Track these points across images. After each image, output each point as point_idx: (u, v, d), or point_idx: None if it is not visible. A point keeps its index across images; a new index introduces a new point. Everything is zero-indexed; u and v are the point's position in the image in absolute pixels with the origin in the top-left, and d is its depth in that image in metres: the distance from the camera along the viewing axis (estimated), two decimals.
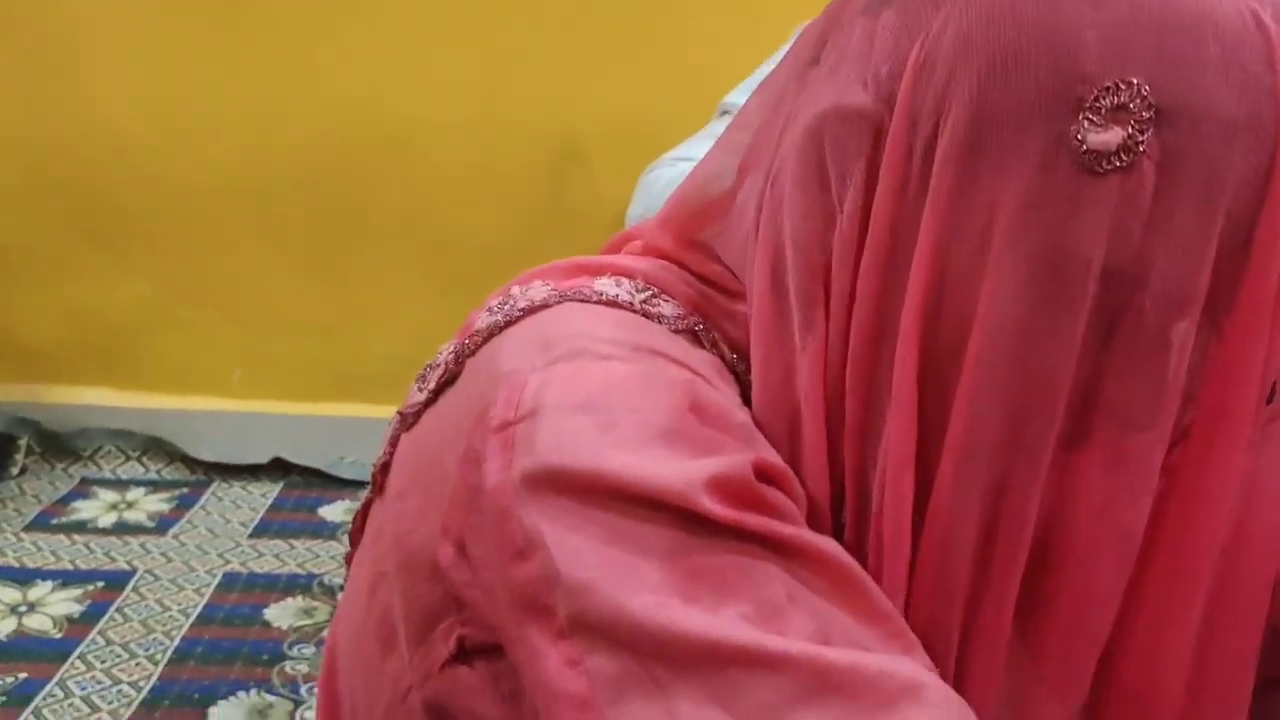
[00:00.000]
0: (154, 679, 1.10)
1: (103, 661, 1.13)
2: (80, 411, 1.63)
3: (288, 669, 1.14)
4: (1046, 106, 0.37)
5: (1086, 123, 0.36)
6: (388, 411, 1.83)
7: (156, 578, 1.30)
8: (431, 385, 0.49)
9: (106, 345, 1.65)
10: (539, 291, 0.48)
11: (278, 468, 1.59)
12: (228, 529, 1.43)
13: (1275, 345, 0.39)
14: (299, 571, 1.34)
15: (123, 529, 1.42)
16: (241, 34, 1.54)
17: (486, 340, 0.48)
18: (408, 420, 0.51)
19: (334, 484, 1.58)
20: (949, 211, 0.38)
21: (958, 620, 0.41)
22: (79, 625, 1.19)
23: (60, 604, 1.23)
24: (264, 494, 1.54)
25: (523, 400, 0.42)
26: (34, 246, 1.60)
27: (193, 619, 1.21)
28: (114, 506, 1.48)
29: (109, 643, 1.16)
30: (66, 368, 1.65)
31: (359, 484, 1.58)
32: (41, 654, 1.14)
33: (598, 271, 0.50)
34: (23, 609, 1.22)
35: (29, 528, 1.41)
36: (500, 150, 1.59)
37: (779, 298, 0.44)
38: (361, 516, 0.56)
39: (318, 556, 1.38)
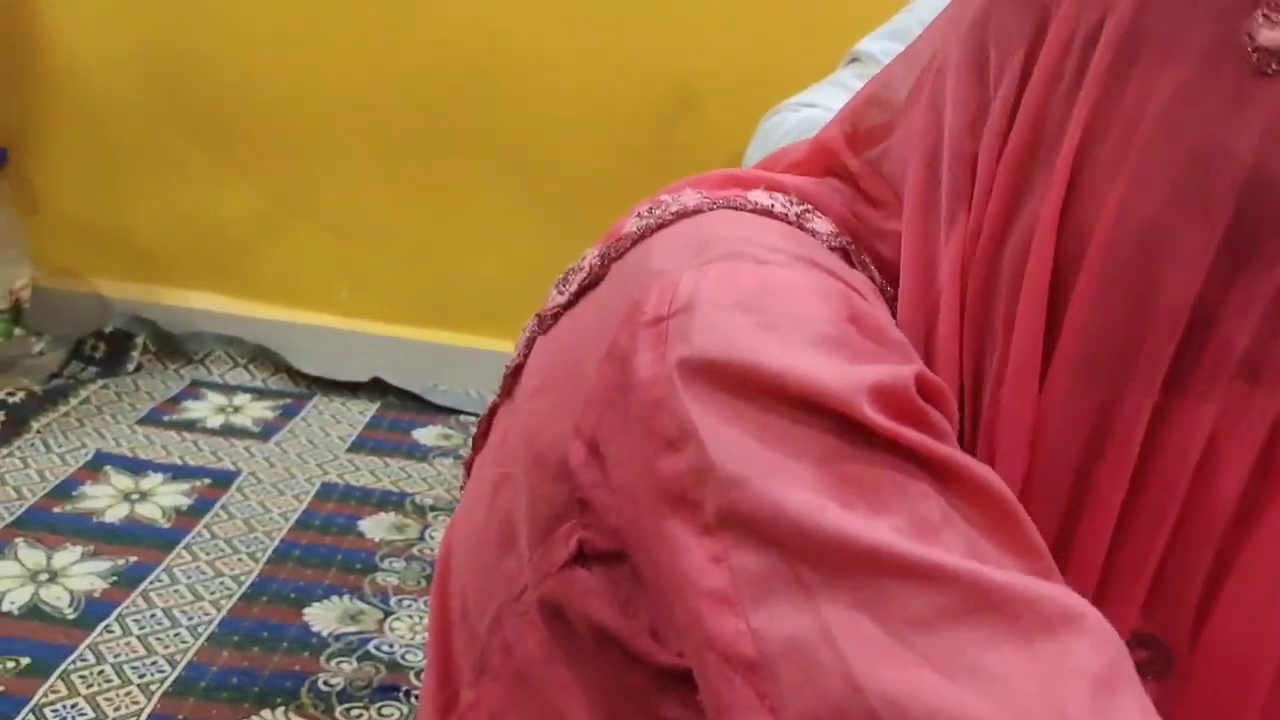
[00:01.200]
0: (254, 575, 1.15)
1: (207, 554, 1.18)
2: (193, 315, 1.70)
3: (379, 580, 1.18)
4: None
5: (1261, 19, 0.35)
6: (483, 341, 1.86)
7: (259, 480, 1.35)
8: (573, 288, 0.48)
9: (220, 253, 1.70)
10: (691, 198, 0.47)
11: (376, 387, 1.63)
12: (327, 441, 1.48)
13: None
14: (392, 489, 1.38)
15: (229, 431, 1.48)
16: None
17: (635, 244, 0.46)
18: (545, 323, 0.50)
19: (428, 408, 1.61)
20: (1099, 101, 0.37)
21: (1051, 539, 0.40)
22: (186, 517, 1.25)
23: (169, 496, 1.29)
24: (362, 411, 1.58)
25: (677, 296, 0.41)
26: (155, 151, 1.66)
27: (291, 523, 1.26)
28: (221, 409, 1.54)
29: (214, 537, 1.22)
30: (181, 272, 1.71)
31: (452, 411, 1.61)
32: (151, 540, 1.20)
33: (751, 184, 0.49)
34: (135, 497, 1.28)
35: (142, 421, 1.47)
36: (613, 91, 1.59)
37: (931, 190, 0.43)
38: (487, 421, 0.55)
39: (410, 476, 1.42)
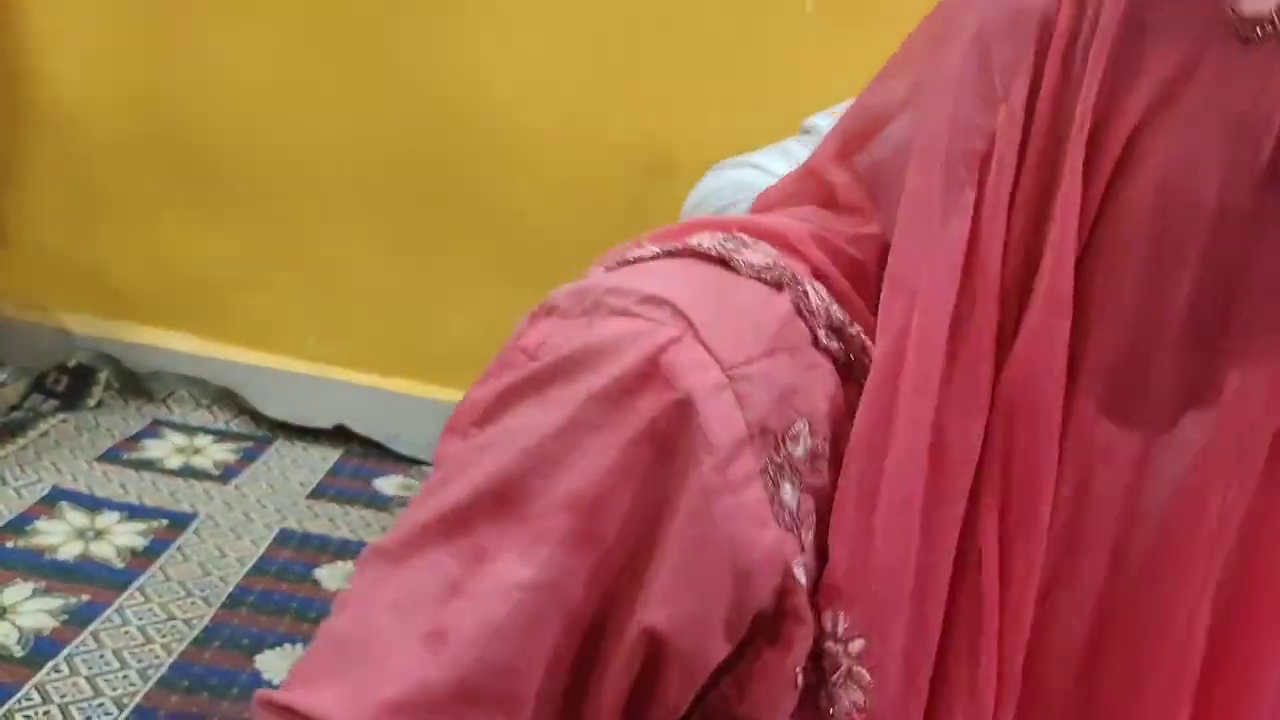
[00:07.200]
0: (207, 620, 1.15)
1: (160, 596, 1.18)
2: (158, 354, 1.70)
3: None
4: None
5: None
6: (446, 393, 1.87)
7: (216, 524, 1.35)
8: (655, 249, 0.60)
9: (190, 294, 1.71)
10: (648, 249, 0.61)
11: (339, 434, 1.64)
12: (286, 486, 1.48)
13: None
14: (350, 537, 1.38)
15: (188, 472, 1.47)
16: (358, 13, 1.59)
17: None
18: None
19: (390, 457, 1.62)
20: (1108, 83, 0.42)
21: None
22: (141, 558, 1.25)
23: (125, 536, 1.29)
24: (323, 458, 1.59)
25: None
26: (134, 192, 1.67)
27: (248, 568, 1.26)
28: (181, 450, 1.54)
29: (167, 579, 1.21)
30: (149, 310, 1.71)
31: (413, 461, 1.62)
32: (104, 580, 1.19)
33: (702, 228, 0.58)
34: (90, 535, 1.28)
35: (100, 458, 1.47)
36: (589, 157, 1.63)
37: (926, 181, 0.49)
38: None
39: (369, 525, 1.42)
